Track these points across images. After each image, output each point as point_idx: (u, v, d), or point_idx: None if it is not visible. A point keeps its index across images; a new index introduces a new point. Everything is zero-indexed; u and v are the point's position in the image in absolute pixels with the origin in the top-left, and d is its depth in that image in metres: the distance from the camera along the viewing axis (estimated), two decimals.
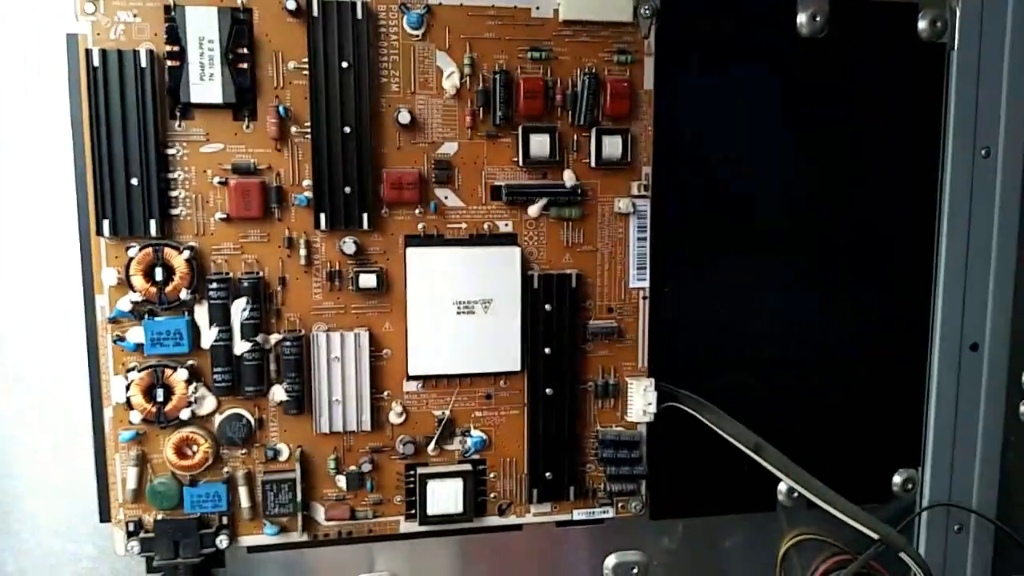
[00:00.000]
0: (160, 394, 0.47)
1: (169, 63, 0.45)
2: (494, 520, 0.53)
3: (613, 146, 0.50)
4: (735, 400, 0.55)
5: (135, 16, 0.45)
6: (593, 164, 0.51)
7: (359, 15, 0.46)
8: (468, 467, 0.52)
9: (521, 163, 0.50)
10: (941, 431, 0.59)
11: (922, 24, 0.56)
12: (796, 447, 0.56)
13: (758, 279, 0.56)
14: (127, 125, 0.45)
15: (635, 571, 0.57)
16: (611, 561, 0.57)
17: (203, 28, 0.45)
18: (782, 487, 0.58)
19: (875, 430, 0.60)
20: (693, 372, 0.55)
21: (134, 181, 0.45)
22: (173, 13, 0.45)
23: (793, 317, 0.57)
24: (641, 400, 0.53)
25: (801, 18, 0.54)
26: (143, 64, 0.45)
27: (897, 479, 0.60)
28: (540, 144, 0.50)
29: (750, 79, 0.54)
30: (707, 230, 0.55)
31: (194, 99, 0.45)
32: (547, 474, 0.53)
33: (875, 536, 0.53)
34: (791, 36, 0.54)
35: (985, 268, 0.59)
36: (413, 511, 0.52)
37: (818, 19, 0.54)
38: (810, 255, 0.57)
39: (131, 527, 0.48)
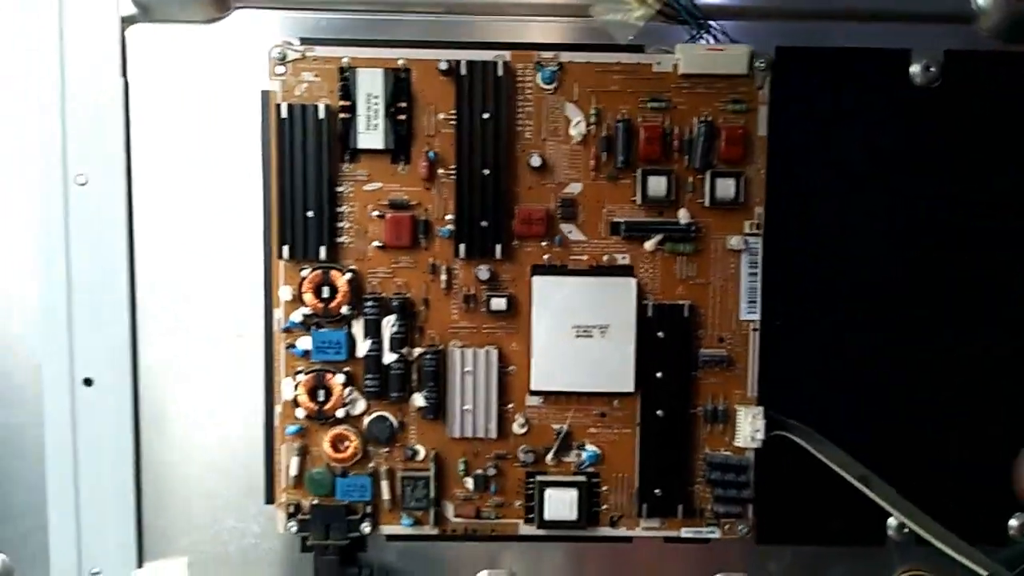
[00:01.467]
0: (322, 395, 0.55)
1: (341, 115, 0.54)
2: (606, 531, 0.57)
3: (726, 188, 0.55)
4: (844, 432, 0.57)
5: (316, 76, 0.54)
6: (707, 204, 0.55)
7: (499, 72, 0.54)
8: (583, 479, 0.57)
9: (639, 202, 0.55)
10: None
11: None
12: (909, 485, 0.57)
13: (865, 316, 0.58)
14: (307, 167, 0.54)
15: None
16: None
17: (370, 86, 0.53)
18: (892, 521, 0.59)
19: (993, 471, 0.60)
20: (803, 402, 0.57)
21: (310, 213, 0.54)
22: (347, 74, 0.53)
23: (899, 353, 0.59)
24: (749, 427, 0.56)
25: (915, 68, 0.57)
26: (321, 116, 0.53)
27: (1014, 523, 0.60)
28: (657, 184, 0.54)
29: (862, 125, 0.57)
30: (819, 267, 0.58)
31: (361, 145, 0.54)
32: (656, 491, 0.57)
33: (985, 574, 0.53)
34: (904, 86, 0.57)
35: None
36: (532, 515, 0.57)
37: (932, 69, 0.57)
38: (915, 294, 0.58)
39: (291, 509, 0.56)
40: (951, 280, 0.58)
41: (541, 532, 0.57)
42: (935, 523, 0.55)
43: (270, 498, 0.57)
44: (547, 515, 0.56)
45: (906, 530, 0.58)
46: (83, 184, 0.55)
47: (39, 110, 0.55)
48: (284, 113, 0.53)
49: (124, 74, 0.55)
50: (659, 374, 0.56)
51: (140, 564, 0.58)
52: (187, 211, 0.57)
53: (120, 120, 0.55)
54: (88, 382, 0.56)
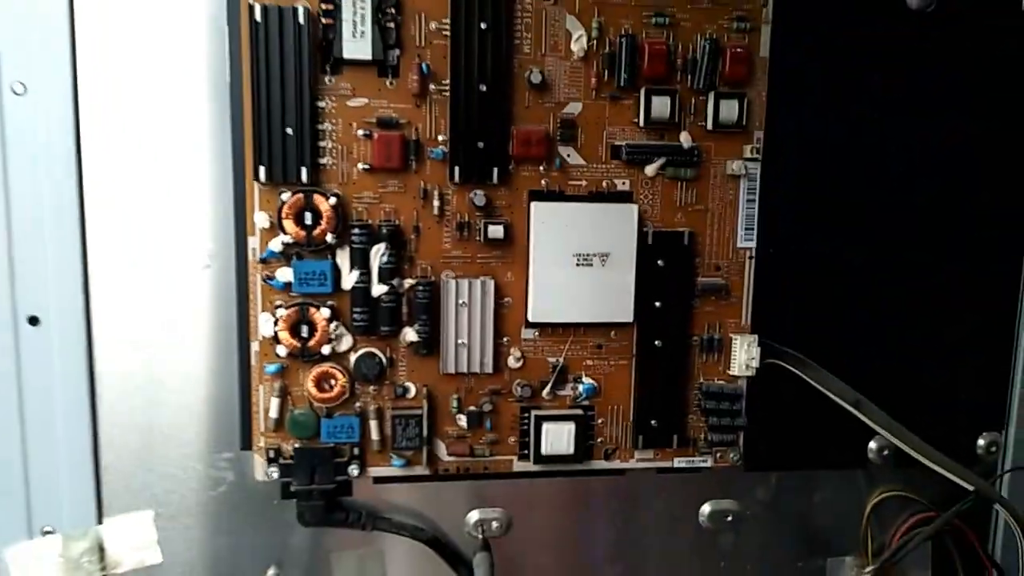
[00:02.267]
0: (305, 330, 0.51)
1: (323, 21, 0.48)
2: (600, 464, 0.56)
3: (730, 110, 0.53)
4: (829, 360, 0.58)
5: None
6: (709, 127, 0.53)
7: None
8: (579, 412, 0.55)
9: (641, 124, 0.53)
10: None
11: None
12: (884, 409, 0.58)
13: (859, 245, 0.58)
14: (285, 78, 0.48)
15: (729, 519, 0.60)
16: (706, 508, 0.60)
17: None
18: (872, 444, 0.60)
19: (961, 394, 0.62)
20: (794, 330, 0.57)
21: (289, 131, 0.49)
22: None
23: (888, 283, 0.59)
24: (744, 355, 0.55)
25: None
26: (301, 21, 0.48)
27: (981, 442, 0.62)
28: (661, 105, 0.52)
29: (860, 50, 0.56)
30: (815, 195, 0.57)
31: (346, 55, 0.49)
32: (652, 422, 0.56)
33: (970, 488, 0.55)
34: (901, 10, 0.56)
35: None
36: (526, 451, 0.55)
37: None
38: (910, 224, 0.59)
39: (271, 454, 0.52)
40: (944, 209, 0.59)
41: (536, 468, 0.55)
42: (924, 443, 0.56)
43: (246, 443, 0.53)
44: (544, 450, 0.54)
45: (886, 453, 0.60)
46: (20, 94, 0.47)
47: None
48: (258, 16, 0.47)
49: None
50: (657, 303, 0.54)
51: (100, 520, 0.53)
52: (143, 126, 0.50)
53: (64, 20, 0.48)
54: (33, 321, 0.50)
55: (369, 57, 0.49)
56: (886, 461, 0.60)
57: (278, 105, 0.48)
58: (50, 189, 0.49)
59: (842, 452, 0.60)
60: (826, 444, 0.60)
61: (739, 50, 0.52)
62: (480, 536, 0.57)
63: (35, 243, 0.49)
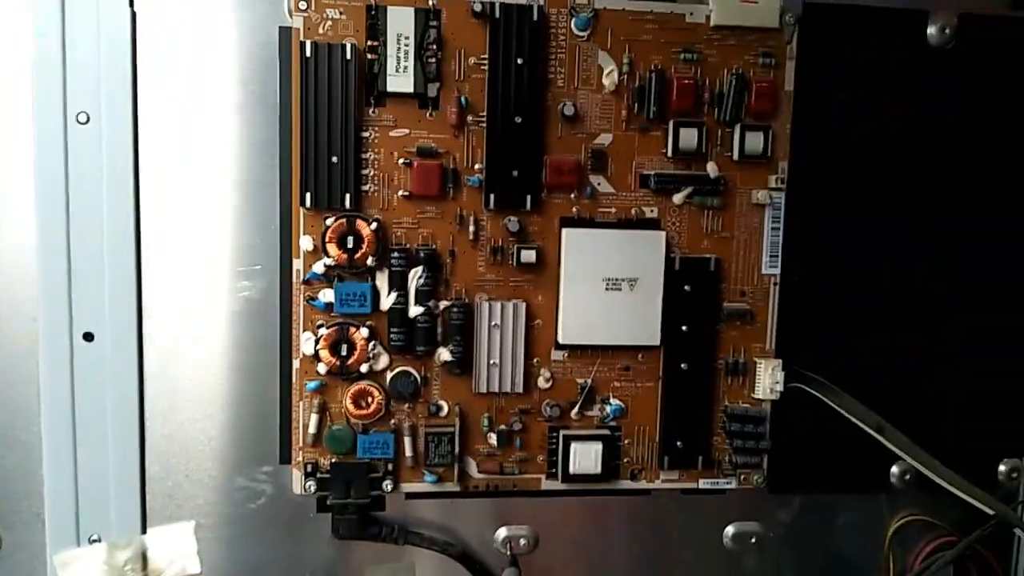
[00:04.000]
0: (344, 349, 0.53)
1: (369, 56, 0.51)
2: (626, 484, 0.58)
3: (755, 141, 0.55)
4: (852, 384, 0.59)
5: (341, 13, 0.51)
6: (735, 157, 0.55)
7: (535, 17, 0.52)
8: (606, 432, 0.57)
9: (669, 154, 0.55)
10: None
11: None
12: (906, 434, 0.59)
13: (881, 272, 0.60)
14: (331, 110, 0.51)
15: (752, 540, 0.61)
16: (731, 530, 0.61)
17: (400, 25, 0.51)
18: (895, 469, 0.61)
19: (983, 420, 0.63)
20: (817, 355, 0.59)
21: (334, 159, 0.51)
22: (375, 12, 0.51)
23: (910, 309, 0.61)
24: (768, 379, 0.57)
25: (931, 30, 0.58)
26: (348, 56, 0.51)
27: (1003, 468, 0.63)
28: (688, 137, 0.54)
29: (881, 84, 0.58)
30: (838, 224, 0.59)
31: (390, 88, 0.51)
32: (678, 443, 0.57)
33: (991, 512, 0.56)
34: (921, 46, 0.58)
35: None
36: (554, 470, 0.56)
37: (947, 31, 0.58)
38: (932, 252, 0.60)
39: (308, 468, 0.54)
40: (966, 239, 0.61)
41: (563, 487, 0.57)
42: (945, 468, 0.57)
43: (285, 457, 0.55)
44: (572, 469, 0.56)
45: (908, 477, 0.61)
46: (85, 123, 0.50)
47: (37, 38, 0.50)
48: (308, 52, 0.50)
49: (131, 3, 0.51)
50: (684, 327, 0.56)
51: (144, 529, 0.55)
52: (197, 155, 0.53)
53: (126, 53, 0.50)
54: (88, 337, 0.52)
55: (411, 90, 0.52)
56: (908, 485, 0.61)
57: (324, 135, 0.51)
58: (109, 212, 0.52)
59: (865, 476, 0.61)
60: (849, 468, 0.61)
61: (764, 84, 0.54)
62: (508, 552, 0.58)
63: (92, 263, 0.52)
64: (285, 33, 0.52)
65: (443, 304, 0.54)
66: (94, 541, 0.54)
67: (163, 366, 0.54)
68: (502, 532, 0.59)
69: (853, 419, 0.57)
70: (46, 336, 0.52)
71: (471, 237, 0.54)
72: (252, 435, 0.56)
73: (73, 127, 0.50)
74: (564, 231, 0.54)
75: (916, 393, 0.61)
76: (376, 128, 0.52)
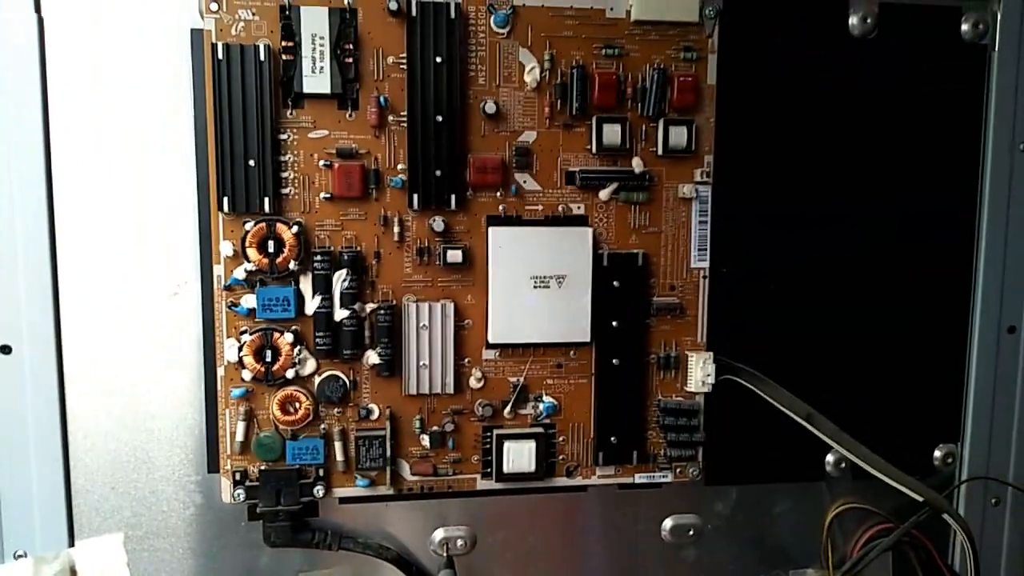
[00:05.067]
0: (269, 355, 0.52)
1: (284, 57, 0.50)
2: (562, 481, 0.58)
3: (679, 136, 0.55)
4: (785, 375, 0.59)
5: (254, 14, 0.50)
6: (660, 152, 0.55)
7: (452, 15, 0.51)
8: (540, 430, 0.57)
9: (594, 151, 0.55)
10: (980, 408, 0.63)
11: (965, 26, 0.60)
12: (841, 422, 0.59)
13: (809, 262, 0.60)
14: (247, 112, 0.50)
15: (691, 533, 0.62)
16: (668, 523, 0.61)
17: (315, 25, 0.50)
18: (830, 458, 0.62)
19: (917, 407, 0.63)
20: (749, 347, 0.59)
21: (251, 163, 0.50)
22: (288, 12, 0.50)
23: (841, 298, 0.61)
24: (700, 372, 0.57)
25: (853, 20, 0.59)
26: (261, 58, 0.50)
27: (938, 453, 0.64)
28: (612, 133, 0.54)
29: (804, 76, 0.59)
30: (765, 216, 0.59)
31: (306, 90, 0.51)
32: (612, 438, 0.57)
33: (920, 499, 0.56)
34: (843, 37, 0.59)
35: (1022, 255, 0.62)
36: (489, 469, 0.56)
37: (868, 21, 0.59)
38: (857, 240, 0.61)
39: (237, 476, 0.54)
40: (891, 225, 0.61)
41: (499, 486, 0.56)
42: (874, 455, 0.58)
43: (213, 466, 0.54)
44: (506, 468, 0.56)
45: (843, 465, 0.62)
46: None
47: None
48: (220, 54, 0.49)
49: (38, 9, 0.50)
50: (614, 323, 0.56)
51: (71, 543, 0.54)
52: (111, 161, 0.52)
53: (34, 58, 0.49)
54: (6, 349, 0.51)
55: (328, 91, 0.51)
56: (844, 474, 0.62)
57: (240, 138, 0.50)
58: (22, 218, 0.51)
59: (800, 465, 0.62)
60: (784, 458, 0.62)
61: (687, 79, 0.54)
62: (444, 554, 0.58)
63: (6, 272, 0.51)
64: (197, 35, 0.51)
65: (370, 306, 0.53)
66: (19, 556, 0.53)
67: (84, 377, 0.53)
68: (439, 533, 0.58)
69: (783, 408, 0.57)
70: None
71: (396, 238, 0.53)
72: (179, 445, 0.55)
73: None
74: (491, 229, 0.54)
75: (849, 382, 0.62)
76: (294, 130, 0.51)
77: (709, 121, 0.55)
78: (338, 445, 0.54)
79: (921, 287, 0.62)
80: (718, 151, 0.56)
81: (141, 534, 0.55)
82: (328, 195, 0.52)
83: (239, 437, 0.53)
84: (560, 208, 0.55)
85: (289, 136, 0.51)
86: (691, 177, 0.56)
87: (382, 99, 0.52)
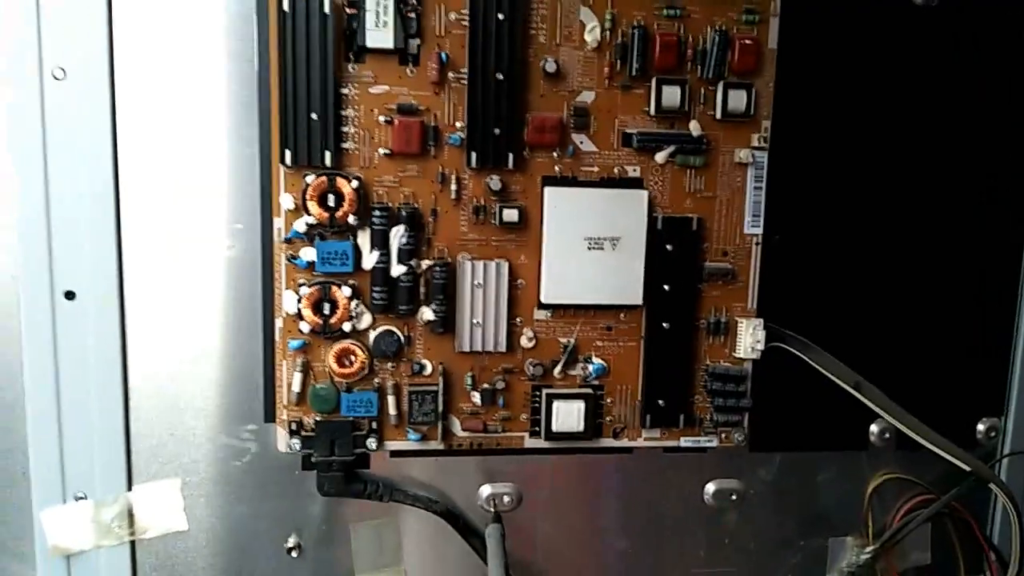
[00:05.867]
0: (327, 308, 0.53)
1: (348, 11, 0.51)
2: (608, 442, 0.58)
3: (738, 99, 0.55)
4: (831, 344, 0.59)
5: None
6: (718, 116, 0.55)
7: None
8: (589, 391, 0.57)
9: (652, 113, 0.54)
10: None
11: None
12: (886, 393, 0.59)
13: (863, 232, 0.60)
14: (310, 65, 0.50)
15: (733, 498, 0.62)
16: (711, 487, 0.62)
17: None
18: (874, 427, 0.62)
19: (962, 380, 0.63)
20: (798, 314, 0.59)
21: (314, 116, 0.51)
22: None
23: (890, 269, 0.61)
24: (749, 338, 0.57)
25: None
26: (326, 10, 0.50)
27: (981, 427, 0.64)
28: (671, 95, 0.54)
29: (865, 43, 0.58)
30: (820, 183, 0.59)
31: (369, 44, 0.51)
32: (660, 402, 0.58)
33: (967, 468, 0.56)
34: (906, 5, 0.58)
35: None
36: (537, 428, 0.57)
37: None
38: (913, 212, 0.61)
39: (293, 426, 0.55)
40: (947, 200, 0.61)
41: (546, 445, 0.57)
42: (922, 424, 0.58)
43: (270, 416, 0.55)
44: (555, 427, 0.56)
45: (887, 435, 0.62)
46: (61, 79, 0.50)
47: None
48: (286, 6, 0.50)
49: None
50: (666, 287, 0.56)
51: (129, 487, 0.55)
52: (175, 111, 0.52)
53: (102, 8, 0.50)
54: (70, 295, 0.52)
55: (391, 46, 0.51)
56: (887, 444, 0.62)
57: (304, 91, 0.51)
58: (87, 171, 0.51)
59: (844, 434, 0.62)
60: (829, 426, 0.62)
61: (748, 42, 0.54)
62: (492, 509, 0.59)
63: (73, 221, 0.52)
64: None
65: (425, 263, 0.54)
66: (80, 499, 0.55)
67: (145, 324, 0.54)
68: (486, 490, 0.59)
69: (832, 376, 0.57)
70: (27, 295, 0.52)
71: (453, 196, 0.54)
72: (236, 393, 0.56)
73: (50, 83, 0.50)
74: (546, 190, 0.54)
75: (897, 352, 0.62)
76: (356, 84, 0.52)
77: (768, 86, 0.55)
78: (391, 399, 0.55)
79: (971, 260, 0.62)
80: (776, 116, 0.56)
81: (197, 480, 0.56)
82: (387, 151, 0.52)
83: (295, 388, 0.54)
84: (616, 170, 0.55)
85: (351, 90, 0.52)
86: (748, 142, 0.56)
87: (443, 55, 0.52)
